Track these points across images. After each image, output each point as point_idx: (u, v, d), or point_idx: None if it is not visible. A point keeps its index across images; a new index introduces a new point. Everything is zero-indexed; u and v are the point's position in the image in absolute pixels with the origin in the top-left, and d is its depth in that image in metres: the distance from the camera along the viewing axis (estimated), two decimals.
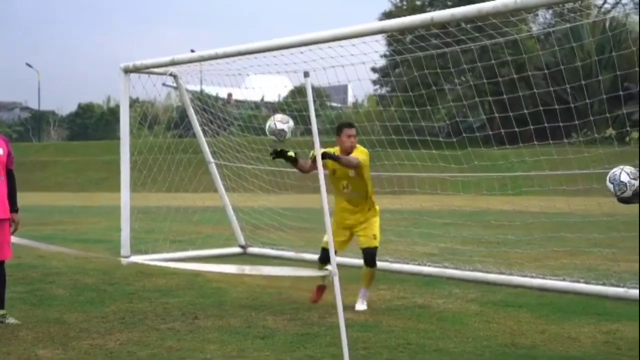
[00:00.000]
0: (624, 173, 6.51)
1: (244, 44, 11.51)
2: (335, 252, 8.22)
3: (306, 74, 6.26)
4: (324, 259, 8.59)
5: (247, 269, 6.45)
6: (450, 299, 9.14)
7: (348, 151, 8.46)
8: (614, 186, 6.53)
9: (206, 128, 13.91)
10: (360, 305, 8.50)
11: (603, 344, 6.92)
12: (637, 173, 6.49)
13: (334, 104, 47.64)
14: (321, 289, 8.90)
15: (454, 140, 11.64)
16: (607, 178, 6.59)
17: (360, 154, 8.50)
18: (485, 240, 13.17)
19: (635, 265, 11.34)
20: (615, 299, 8.93)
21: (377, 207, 8.78)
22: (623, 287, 9.15)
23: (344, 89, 49.19)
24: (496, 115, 11.72)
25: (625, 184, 6.46)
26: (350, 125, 8.69)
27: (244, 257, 13.30)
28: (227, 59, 11.97)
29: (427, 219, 13.47)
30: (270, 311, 8.36)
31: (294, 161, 8.29)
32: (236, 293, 9.49)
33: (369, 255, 8.61)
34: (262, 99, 31.65)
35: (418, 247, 12.56)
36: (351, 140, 8.48)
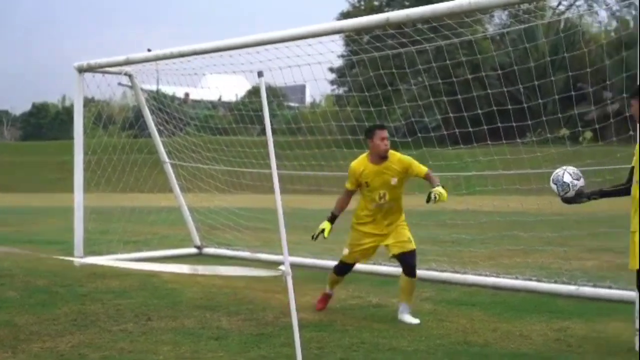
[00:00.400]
0: (566, 174, 6.63)
1: (199, 44, 11.45)
2: (355, 262, 8.33)
3: (260, 74, 6.22)
4: (342, 271, 8.35)
5: (201, 269, 6.40)
6: None
7: (382, 155, 7.84)
8: (557, 187, 6.64)
9: (162, 128, 13.81)
10: (412, 319, 7.88)
11: (554, 342, 7.00)
12: (580, 174, 6.63)
13: (292, 104, 47.65)
14: (326, 297, 8.47)
15: (409, 140, 11.68)
16: (551, 179, 6.70)
17: (406, 160, 7.95)
18: (440, 240, 13.24)
19: (586, 263, 11.53)
20: (566, 297, 9.05)
21: (403, 217, 8.19)
22: (574, 285, 9.28)
23: (301, 89, 49.20)
24: (451, 115, 11.79)
25: (568, 184, 6.59)
26: (383, 127, 8.02)
27: (199, 258, 13.22)
28: (183, 58, 11.91)
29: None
30: (225, 312, 8.31)
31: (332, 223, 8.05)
32: (191, 294, 9.43)
33: (408, 261, 7.94)
34: (219, 99, 31.57)
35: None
36: (385, 143, 7.81)
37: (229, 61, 11.76)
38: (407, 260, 7.94)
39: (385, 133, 7.84)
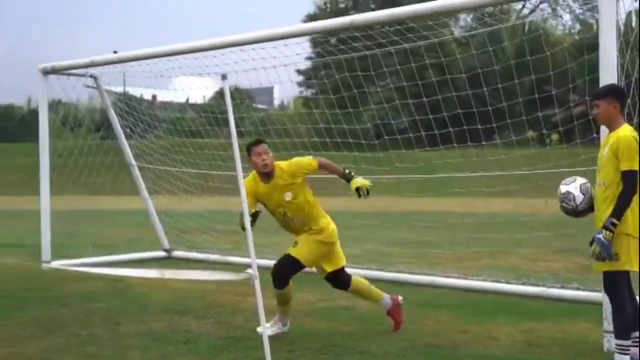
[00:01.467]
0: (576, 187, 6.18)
1: (166, 46, 11.42)
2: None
3: (224, 77, 6.21)
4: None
5: (168, 273, 6.38)
6: None
7: (263, 172, 7.16)
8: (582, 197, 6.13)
9: (129, 130, 13.74)
10: None
11: (522, 343, 7.06)
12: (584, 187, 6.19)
13: (260, 106, 47.57)
14: (398, 307, 7.68)
15: (376, 142, 11.74)
16: (578, 187, 6.17)
17: (292, 164, 7.28)
18: (410, 242, 13.31)
19: (554, 265, 11.65)
20: (534, 298, 9.13)
21: (324, 222, 7.42)
22: (542, 286, 9.37)
23: (269, 91, 49.21)
24: (417, 118, 11.84)
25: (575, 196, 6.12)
26: (259, 142, 7.27)
27: (168, 261, 13.15)
28: (149, 60, 11.87)
29: (352, 221, 13.53)
30: (194, 315, 8.28)
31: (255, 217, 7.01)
32: (159, 297, 9.38)
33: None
34: (187, 101, 31.43)
35: (345, 249, 12.57)
36: (263, 159, 7.10)
37: (195, 63, 11.78)
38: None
39: (261, 148, 7.14)
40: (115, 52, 14.29)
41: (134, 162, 13.57)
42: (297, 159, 7.37)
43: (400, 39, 10.30)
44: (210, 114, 15.04)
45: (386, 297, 7.67)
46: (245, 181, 6.76)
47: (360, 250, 12.63)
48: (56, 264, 12.00)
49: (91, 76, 13.04)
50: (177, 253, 13.52)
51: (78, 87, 13.50)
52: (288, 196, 7.18)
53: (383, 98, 12.53)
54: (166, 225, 13.89)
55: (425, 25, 10.05)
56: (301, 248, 7.28)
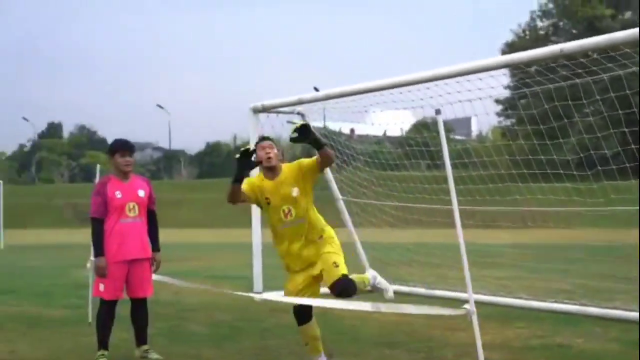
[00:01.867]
0: None
1: (370, 81, 11.60)
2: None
3: (437, 112, 6.29)
4: (301, 318, 7.43)
5: (383, 307, 6.42)
6: (590, 337, 8.83)
7: (266, 165, 7.02)
8: None
9: (334, 165, 14.04)
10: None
11: None
12: None
13: (458, 137, 47.32)
14: None
15: (589, 173, 11.31)
16: None
17: (295, 163, 7.13)
18: (624, 277, 12.66)
19: None
20: None
21: (328, 230, 7.22)
22: None
23: (467, 122, 48.74)
24: (632, 146, 11.28)
25: None
26: (263, 139, 7.22)
27: (371, 295, 13.22)
28: (352, 97, 12.12)
29: (561, 254, 13.13)
30: (405, 349, 8.28)
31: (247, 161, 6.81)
32: (369, 330, 9.48)
33: (341, 288, 6.86)
34: (384, 134, 31.76)
35: (553, 284, 12.22)
36: (266, 152, 7.00)
37: (398, 98, 11.85)
38: (339, 288, 6.86)
39: (266, 143, 7.04)
40: (315, 88, 14.70)
41: (340, 196, 13.83)
42: (301, 159, 7.18)
43: (612, 65, 9.90)
44: (407, 147, 15.11)
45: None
46: (251, 178, 7.10)
47: (571, 285, 12.18)
48: (267, 295, 12.37)
49: (298, 113, 13.48)
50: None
51: (281, 123, 14.00)
52: (295, 191, 6.96)
53: (595, 125, 12.05)
54: (370, 258, 14.00)
55: (635, 50, 9.59)
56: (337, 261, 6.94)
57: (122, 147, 8.04)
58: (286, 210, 6.98)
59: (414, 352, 8.14)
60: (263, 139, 7.21)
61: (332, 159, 7.05)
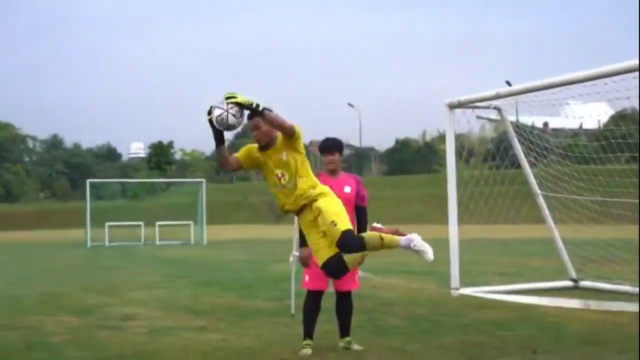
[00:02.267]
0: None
1: (571, 73, 11.27)
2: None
3: None
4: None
5: (594, 304, 6.25)
6: None
7: (261, 145, 7.23)
8: None
9: (532, 159, 13.77)
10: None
11: None
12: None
13: None
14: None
15: None
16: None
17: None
18: None
19: None
20: None
21: (320, 187, 7.18)
22: None
23: None
24: None
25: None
26: (251, 117, 7.18)
27: (578, 291, 12.87)
28: (550, 89, 11.82)
29: None
30: (613, 348, 8.00)
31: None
32: (574, 328, 9.22)
33: (341, 246, 6.78)
34: (580, 126, 30.77)
35: None
36: (254, 134, 7.21)
37: (593, 90, 11.46)
38: (341, 249, 6.81)
39: (251, 122, 7.08)
40: (508, 83, 14.46)
41: (539, 191, 13.55)
42: None
43: None
44: (604, 141, 14.55)
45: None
46: (248, 146, 7.35)
47: None
48: (465, 290, 12.35)
49: (495, 107, 13.33)
50: (585, 283, 13.17)
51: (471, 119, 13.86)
52: (284, 155, 7.12)
53: None
54: (571, 254, 13.62)
55: None
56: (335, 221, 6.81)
57: (323, 146, 8.41)
58: (279, 174, 7.18)
59: (622, 352, 7.84)
60: (250, 117, 7.15)
61: (276, 121, 6.99)
